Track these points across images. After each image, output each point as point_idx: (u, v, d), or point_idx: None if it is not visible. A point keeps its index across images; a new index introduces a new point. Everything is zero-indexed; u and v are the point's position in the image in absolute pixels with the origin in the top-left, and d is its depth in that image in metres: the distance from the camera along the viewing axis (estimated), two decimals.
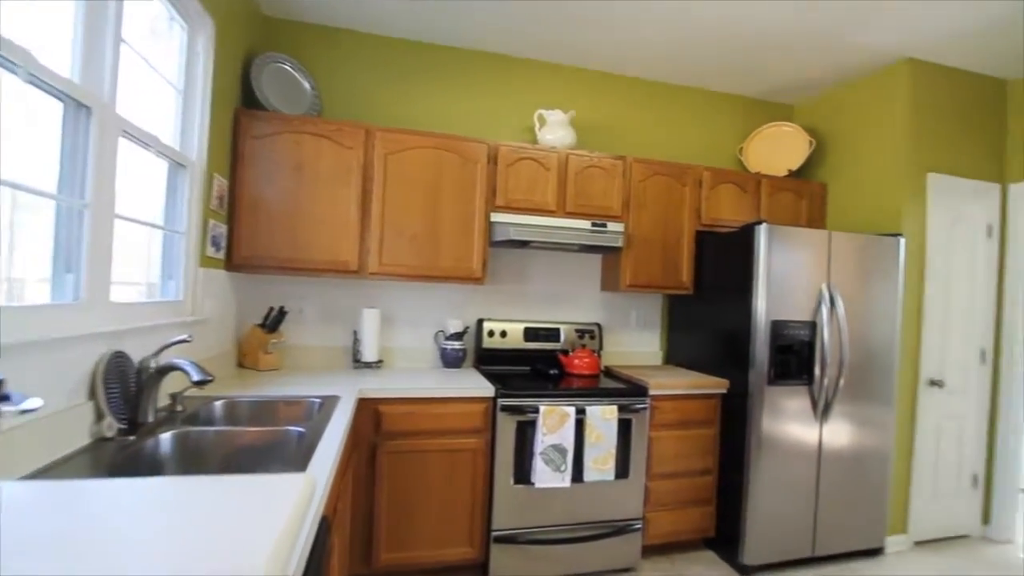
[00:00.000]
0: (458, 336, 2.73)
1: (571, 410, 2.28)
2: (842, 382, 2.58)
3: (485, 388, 2.29)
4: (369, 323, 2.58)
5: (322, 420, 1.59)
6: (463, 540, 2.27)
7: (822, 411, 2.58)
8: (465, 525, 2.27)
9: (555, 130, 2.74)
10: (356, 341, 2.64)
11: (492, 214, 2.56)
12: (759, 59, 2.95)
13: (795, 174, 3.26)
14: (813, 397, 2.56)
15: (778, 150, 3.26)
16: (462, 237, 2.53)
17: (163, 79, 1.75)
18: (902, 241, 2.72)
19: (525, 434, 2.29)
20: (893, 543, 2.80)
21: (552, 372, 2.70)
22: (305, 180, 2.33)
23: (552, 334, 2.89)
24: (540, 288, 3.03)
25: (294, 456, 1.26)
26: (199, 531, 0.77)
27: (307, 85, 2.55)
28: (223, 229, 2.21)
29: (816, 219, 3.21)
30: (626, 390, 2.47)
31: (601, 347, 2.98)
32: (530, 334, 2.85)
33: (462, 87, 2.92)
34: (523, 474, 2.30)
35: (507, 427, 2.28)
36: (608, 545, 2.41)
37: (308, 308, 2.67)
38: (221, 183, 2.14)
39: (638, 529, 2.46)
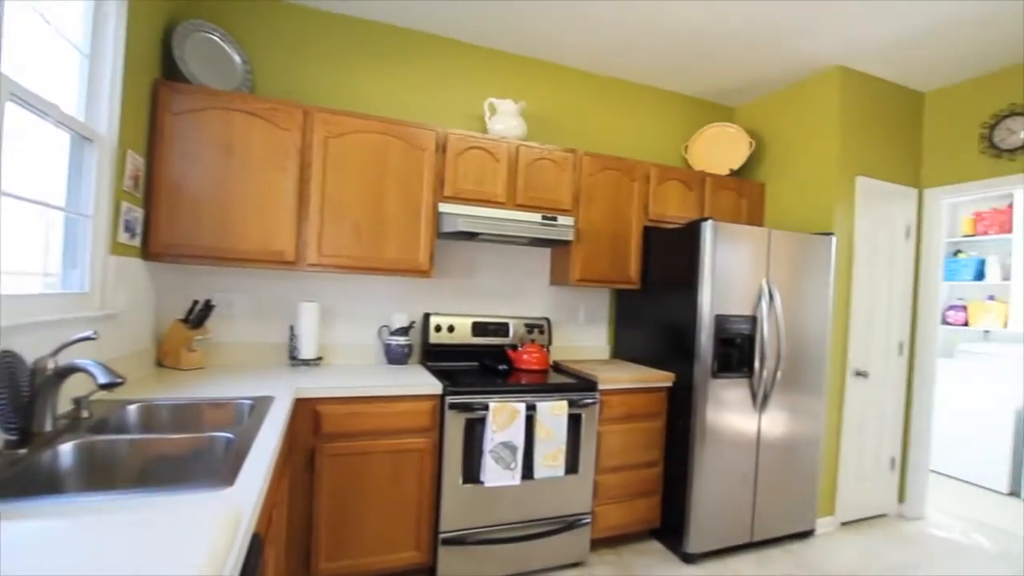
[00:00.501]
0: (403, 331, 2.61)
1: (521, 406, 2.24)
2: (779, 374, 2.69)
3: (432, 385, 2.20)
4: (307, 318, 2.41)
5: (254, 424, 1.45)
6: (409, 544, 2.18)
7: (761, 402, 2.67)
8: (411, 528, 2.18)
9: (505, 120, 2.67)
10: (293, 337, 2.47)
11: (440, 204, 2.46)
12: (703, 60, 3.01)
13: (736, 173, 3.36)
14: (753, 389, 2.65)
15: (721, 150, 3.36)
16: (408, 228, 2.42)
17: (64, 39, 1.53)
18: (833, 240, 2.86)
19: (474, 432, 2.23)
20: (822, 525, 2.97)
21: (501, 368, 2.64)
22: (235, 162, 2.13)
23: (501, 329, 2.83)
24: (489, 282, 2.96)
25: (222, 466, 1.13)
26: (102, 565, 0.65)
27: (238, 59, 2.34)
28: (139, 213, 1.99)
29: (755, 217, 3.33)
30: (576, 385, 2.45)
31: (550, 342, 2.96)
32: (478, 329, 2.78)
33: (410, 71, 2.79)
34: (472, 473, 2.23)
35: (455, 425, 2.20)
36: (557, 541, 2.39)
37: (238, 302, 2.46)
38: (136, 161, 1.92)
39: (587, 523, 2.45)
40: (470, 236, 2.60)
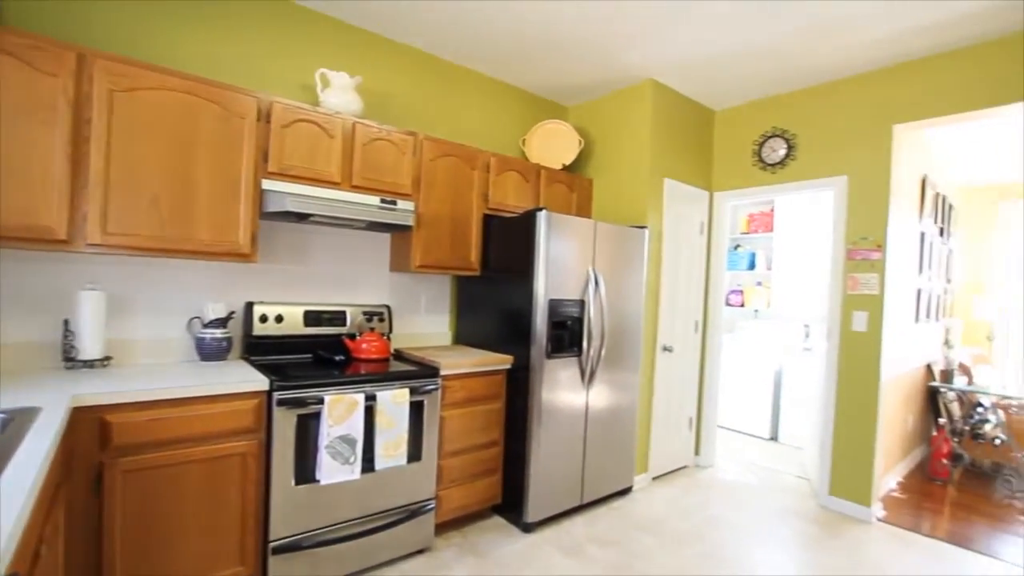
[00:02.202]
0: (220, 323, 2.31)
1: (360, 397, 2.14)
2: (603, 352, 2.97)
3: (257, 381, 1.99)
4: (89, 309, 1.99)
5: (8, 444, 1.15)
6: (232, 559, 1.95)
7: (588, 378, 2.93)
8: (235, 541, 1.95)
9: (340, 94, 2.50)
10: (68, 333, 2.02)
11: (264, 181, 2.21)
12: (536, 58, 3.16)
13: (568, 168, 3.62)
14: (581, 367, 2.90)
15: (554, 145, 3.58)
16: (224, 205, 2.13)
17: None
18: (646, 233, 3.25)
19: (308, 428, 2.07)
20: (639, 481, 3.38)
21: (338, 358, 2.49)
22: None
23: (337, 317, 2.66)
24: (323, 268, 2.76)
25: None
26: None
27: None
28: None
29: (584, 210, 3.62)
30: (417, 372, 2.42)
31: (391, 330, 2.87)
32: (311, 318, 2.58)
33: (227, 26, 2.44)
34: (306, 472, 2.07)
35: (286, 423, 2.02)
36: (402, 531, 2.35)
37: None
38: None
39: (431, 509, 2.45)
40: (301, 218, 2.39)
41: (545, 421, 2.72)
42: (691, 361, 3.82)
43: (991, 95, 2.71)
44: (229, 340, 2.34)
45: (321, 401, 2.06)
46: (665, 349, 3.55)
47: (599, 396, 3.00)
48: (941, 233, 4.49)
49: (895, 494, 3.50)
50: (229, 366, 2.23)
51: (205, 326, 2.29)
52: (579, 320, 2.86)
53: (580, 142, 3.56)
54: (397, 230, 2.77)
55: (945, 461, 3.77)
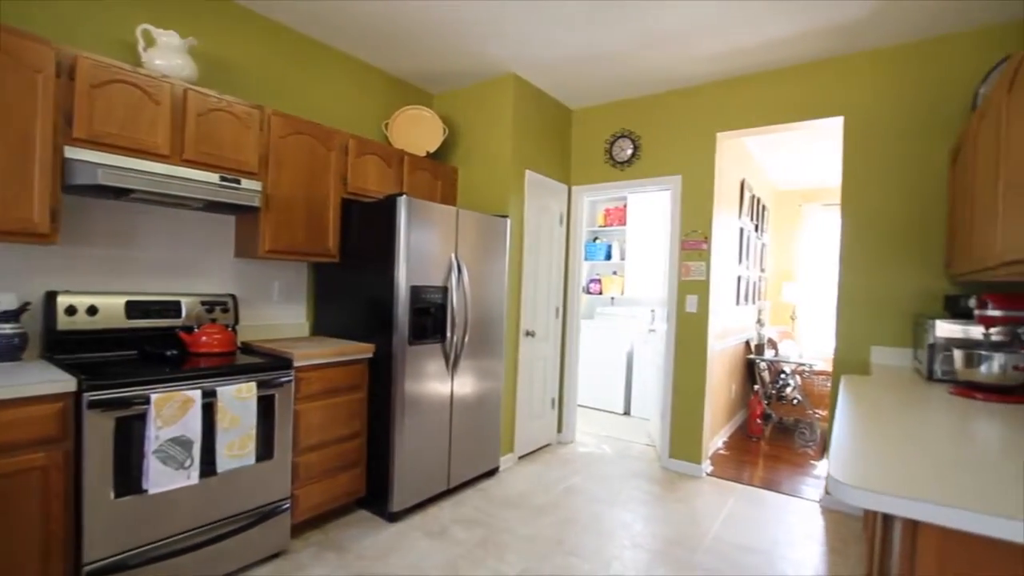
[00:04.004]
0: (11, 316, 1.93)
1: (196, 394, 1.94)
2: (467, 338, 3.03)
3: (60, 381, 1.70)
4: None
5: None
6: None
7: (452, 364, 2.97)
8: (36, 570, 1.66)
9: (168, 56, 2.21)
10: None
11: (67, 148, 1.89)
12: (396, 43, 3.10)
13: (433, 156, 3.60)
14: (445, 353, 2.92)
15: (418, 132, 3.54)
16: (11, 174, 1.77)
17: None
18: (508, 222, 3.36)
19: (131, 433, 1.82)
20: (505, 461, 3.51)
21: (169, 353, 2.23)
22: None
23: (169, 308, 2.37)
24: (153, 253, 2.44)
25: None
26: None
27: None
28: None
29: (448, 198, 3.64)
30: (266, 364, 2.25)
31: (237, 321, 2.63)
32: (136, 309, 2.26)
33: None
34: (131, 482, 1.83)
35: (101, 428, 1.76)
36: (253, 535, 2.18)
37: None
38: None
39: (286, 509, 2.31)
40: (119, 194, 2.09)
41: (409, 409, 2.70)
42: (553, 345, 4.04)
43: (795, 112, 3.23)
44: (23, 337, 1.97)
45: (147, 401, 1.83)
46: (528, 334, 3.71)
47: (464, 381, 3.05)
48: (757, 229, 5.27)
49: (721, 452, 4.05)
50: (24, 367, 1.88)
51: None
52: (442, 307, 2.88)
53: (445, 130, 3.56)
54: (242, 212, 2.54)
55: (759, 420, 4.45)
